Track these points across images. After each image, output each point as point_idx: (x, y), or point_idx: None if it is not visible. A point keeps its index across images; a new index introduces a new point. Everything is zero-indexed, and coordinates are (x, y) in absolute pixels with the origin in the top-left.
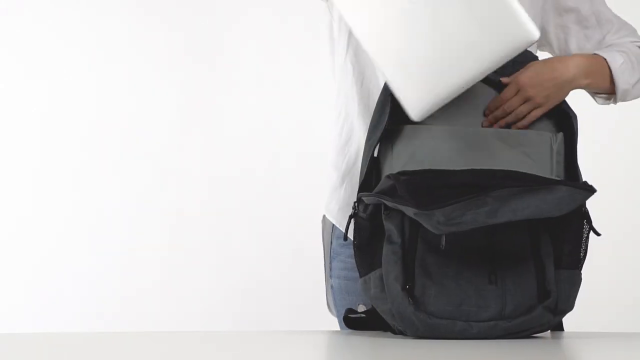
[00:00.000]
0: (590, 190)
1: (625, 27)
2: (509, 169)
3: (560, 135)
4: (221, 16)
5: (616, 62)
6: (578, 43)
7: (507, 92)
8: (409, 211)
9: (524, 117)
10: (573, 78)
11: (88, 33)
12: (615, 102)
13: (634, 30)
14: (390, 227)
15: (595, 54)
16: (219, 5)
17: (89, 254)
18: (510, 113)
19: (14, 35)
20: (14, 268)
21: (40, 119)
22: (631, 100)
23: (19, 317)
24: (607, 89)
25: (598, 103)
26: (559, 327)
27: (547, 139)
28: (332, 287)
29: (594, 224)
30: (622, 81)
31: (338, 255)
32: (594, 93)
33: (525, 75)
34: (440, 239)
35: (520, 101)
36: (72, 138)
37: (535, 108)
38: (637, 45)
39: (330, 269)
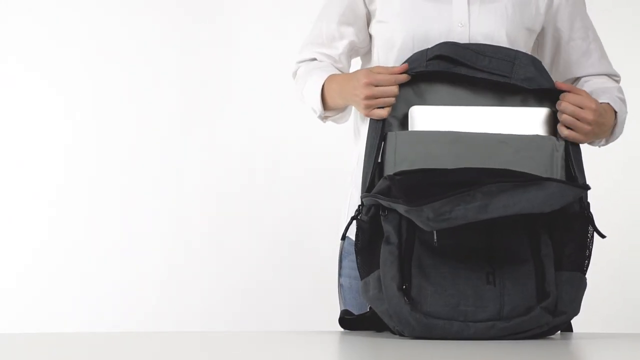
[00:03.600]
0: (581, 187)
1: (604, 57)
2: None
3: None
4: (222, 19)
5: (623, 115)
6: (576, 54)
7: (585, 102)
8: (400, 208)
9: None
10: (610, 127)
11: (88, 34)
12: (600, 146)
13: (609, 64)
14: (388, 228)
15: (608, 103)
16: (221, 12)
17: (88, 254)
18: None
19: (12, 35)
20: (13, 268)
21: (39, 118)
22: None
23: (18, 317)
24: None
25: (586, 144)
26: (568, 328)
27: (551, 143)
28: (341, 285)
29: (599, 225)
30: (619, 130)
31: (349, 255)
32: None
33: (595, 110)
34: (433, 236)
35: (580, 117)
36: (71, 138)
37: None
38: (615, 80)
39: (341, 267)
